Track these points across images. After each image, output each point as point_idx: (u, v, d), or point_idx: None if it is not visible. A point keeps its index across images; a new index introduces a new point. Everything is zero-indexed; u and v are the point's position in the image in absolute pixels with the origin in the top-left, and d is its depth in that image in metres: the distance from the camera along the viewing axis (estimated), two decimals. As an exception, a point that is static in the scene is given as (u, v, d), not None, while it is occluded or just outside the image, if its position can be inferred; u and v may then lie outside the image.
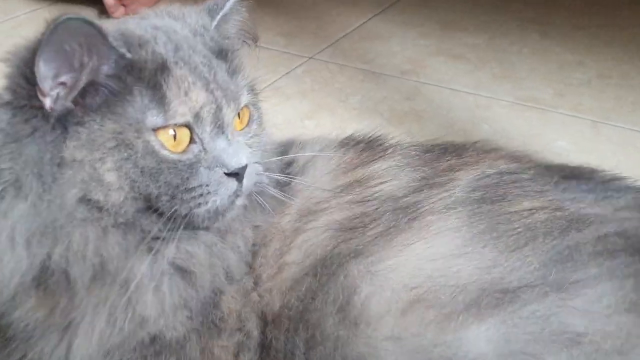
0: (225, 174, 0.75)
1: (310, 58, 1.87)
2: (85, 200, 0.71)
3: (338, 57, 1.87)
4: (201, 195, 0.74)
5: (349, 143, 0.93)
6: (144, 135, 0.72)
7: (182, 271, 0.77)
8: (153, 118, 0.72)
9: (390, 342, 0.71)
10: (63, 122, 0.71)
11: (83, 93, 0.71)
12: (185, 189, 0.74)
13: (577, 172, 0.88)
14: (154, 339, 0.77)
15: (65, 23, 0.66)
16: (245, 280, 0.81)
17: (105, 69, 0.71)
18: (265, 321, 0.80)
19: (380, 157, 0.88)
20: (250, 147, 0.80)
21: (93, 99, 0.71)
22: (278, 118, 1.54)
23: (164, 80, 0.72)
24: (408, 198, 0.82)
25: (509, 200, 0.81)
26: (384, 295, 0.73)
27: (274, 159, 0.87)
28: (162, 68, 0.73)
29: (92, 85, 0.71)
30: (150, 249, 0.75)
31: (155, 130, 0.72)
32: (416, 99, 1.64)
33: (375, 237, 0.78)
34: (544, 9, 2.13)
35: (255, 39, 0.91)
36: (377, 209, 0.82)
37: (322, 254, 0.80)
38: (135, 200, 0.73)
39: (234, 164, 0.75)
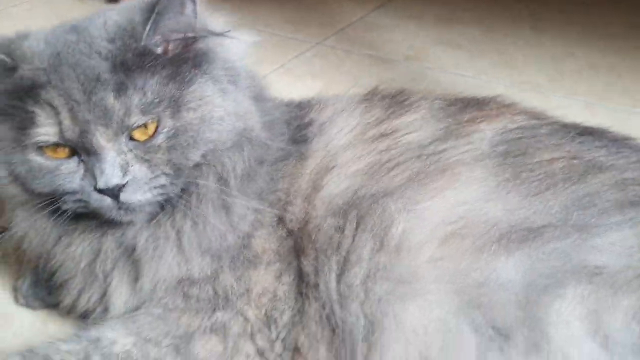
0: (95, 189, 0.74)
1: (317, 44, 1.87)
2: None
3: (344, 44, 1.87)
4: (80, 200, 0.76)
5: (372, 99, 0.93)
6: (20, 147, 0.75)
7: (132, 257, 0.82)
8: (26, 136, 0.74)
9: (430, 264, 0.74)
10: None
11: None
12: (63, 192, 0.76)
13: (591, 130, 0.90)
14: (181, 281, 0.81)
15: None
16: (279, 230, 0.84)
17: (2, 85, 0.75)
18: (299, 257, 0.83)
19: (407, 111, 0.89)
20: (147, 162, 0.75)
21: None
22: (291, 96, 1.54)
23: (35, 100, 0.73)
24: (433, 146, 0.83)
25: (530, 154, 0.83)
26: (422, 228, 0.76)
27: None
28: (34, 87, 0.73)
29: None
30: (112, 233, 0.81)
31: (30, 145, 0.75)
32: (423, 82, 1.65)
33: (407, 181, 0.80)
34: (535, 6, 2.17)
35: (215, 32, 0.80)
36: (401, 155, 0.83)
37: (344, 199, 0.82)
38: (31, 194, 0.78)
39: (101, 183, 0.73)
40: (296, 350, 0.81)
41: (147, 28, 0.73)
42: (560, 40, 1.90)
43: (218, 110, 0.77)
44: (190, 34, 0.77)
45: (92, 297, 0.84)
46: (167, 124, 0.75)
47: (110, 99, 0.72)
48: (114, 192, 0.73)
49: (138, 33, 0.74)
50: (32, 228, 0.82)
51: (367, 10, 2.14)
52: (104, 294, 0.84)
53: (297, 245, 0.83)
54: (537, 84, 1.65)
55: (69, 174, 0.75)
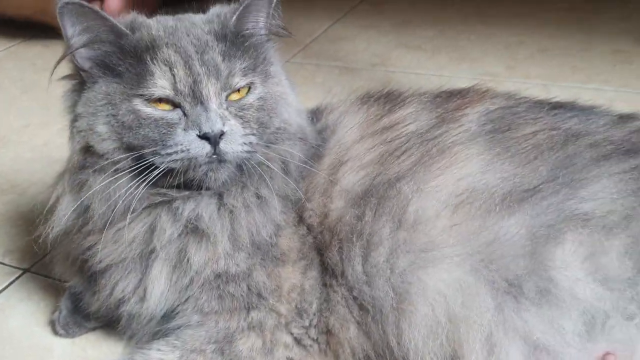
0: (198, 136, 0.82)
1: (286, 62, 1.95)
2: (87, 148, 0.86)
3: (312, 59, 1.97)
4: (176, 152, 0.83)
5: (369, 100, 1.02)
6: (130, 98, 0.84)
7: (200, 230, 0.87)
8: (137, 87, 0.84)
9: (445, 232, 0.83)
10: (84, 89, 0.87)
11: (93, 66, 0.86)
12: (163, 145, 0.83)
13: (561, 103, 1.00)
14: (219, 275, 0.87)
15: (65, 6, 0.82)
16: (300, 229, 0.91)
17: (103, 47, 0.85)
18: (321, 253, 0.91)
19: (400, 106, 0.98)
20: (240, 118, 0.86)
21: (97, 70, 0.86)
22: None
23: (152, 58, 0.84)
24: (430, 133, 0.93)
25: (514, 129, 0.92)
26: (435, 203, 0.84)
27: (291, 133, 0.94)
28: (152, 47, 0.85)
29: (97, 60, 0.86)
30: (170, 206, 0.87)
31: (140, 96, 0.84)
32: (390, 84, 1.73)
33: (414, 165, 0.88)
34: (483, 4, 2.31)
35: (285, 31, 0.96)
36: (405, 143, 0.92)
37: (362, 188, 0.90)
38: (124, 151, 0.85)
39: (205, 127, 0.82)
40: (328, 332, 0.89)
41: (235, 16, 0.89)
42: (510, 31, 2.04)
43: (289, 95, 0.94)
44: (266, 29, 0.92)
45: (130, 284, 0.88)
46: (258, 88, 0.89)
47: (219, 60, 0.85)
48: (215, 139, 0.82)
49: (229, 19, 0.89)
50: (103, 193, 0.85)
51: (326, 24, 2.25)
52: (140, 281, 0.87)
53: (318, 241, 0.90)
54: (494, 73, 1.78)
55: (172, 125, 0.83)
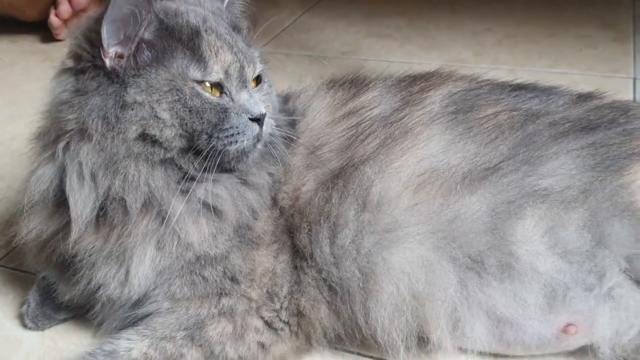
0: (250, 119, 0.86)
1: (257, 52, 1.96)
2: (143, 135, 0.82)
3: (282, 48, 1.98)
4: (232, 135, 0.85)
5: (334, 85, 1.04)
6: (189, 83, 0.83)
7: (213, 209, 0.87)
8: (194, 72, 0.83)
9: (408, 212, 0.85)
10: (121, 76, 0.82)
11: (136, 52, 0.82)
12: (221, 128, 0.84)
13: (522, 85, 1.03)
14: (199, 258, 0.87)
15: None
16: (274, 212, 0.92)
17: (151, 31, 0.83)
18: (292, 234, 0.92)
19: (365, 90, 1.00)
20: (264, 102, 0.90)
21: (144, 56, 0.83)
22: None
23: (200, 43, 0.84)
24: (394, 115, 0.94)
25: (476, 110, 0.95)
26: (397, 184, 0.86)
27: (282, 116, 0.97)
28: (196, 33, 0.85)
29: (142, 45, 0.83)
30: (185, 190, 0.85)
31: (195, 81, 0.83)
32: (361, 72, 1.76)
33: (378, 147, 0.90)
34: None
35: (254, 21, 1.00)
36: (370, 127, 0.94)
37: (332, 172, 0.91)
38: (181, 138, 0.83)
39: (256, 111, 0.86)
40: (299, 314, 0.90)
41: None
42: (479, 19, 2.06)
43: None
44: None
45: (112, 269, 0.85)
46: (264, 76, 0.93)
47: (245, 47, 0.89)
48: (263, 120, 0.86)
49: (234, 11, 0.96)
50: (142, 184, 0.82)
51: (297, 14, 2.26)
52: (122, 265, 0.85)
53: (289, 223, 0.92)
54: (463, 59, 1.80)
55: (226, 109, 0.84)
